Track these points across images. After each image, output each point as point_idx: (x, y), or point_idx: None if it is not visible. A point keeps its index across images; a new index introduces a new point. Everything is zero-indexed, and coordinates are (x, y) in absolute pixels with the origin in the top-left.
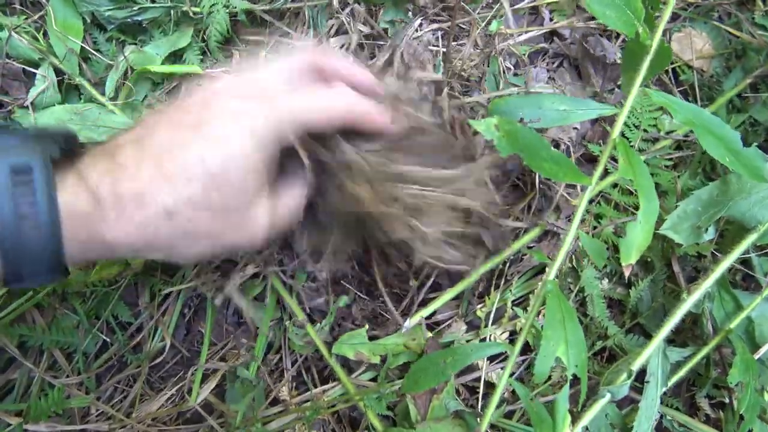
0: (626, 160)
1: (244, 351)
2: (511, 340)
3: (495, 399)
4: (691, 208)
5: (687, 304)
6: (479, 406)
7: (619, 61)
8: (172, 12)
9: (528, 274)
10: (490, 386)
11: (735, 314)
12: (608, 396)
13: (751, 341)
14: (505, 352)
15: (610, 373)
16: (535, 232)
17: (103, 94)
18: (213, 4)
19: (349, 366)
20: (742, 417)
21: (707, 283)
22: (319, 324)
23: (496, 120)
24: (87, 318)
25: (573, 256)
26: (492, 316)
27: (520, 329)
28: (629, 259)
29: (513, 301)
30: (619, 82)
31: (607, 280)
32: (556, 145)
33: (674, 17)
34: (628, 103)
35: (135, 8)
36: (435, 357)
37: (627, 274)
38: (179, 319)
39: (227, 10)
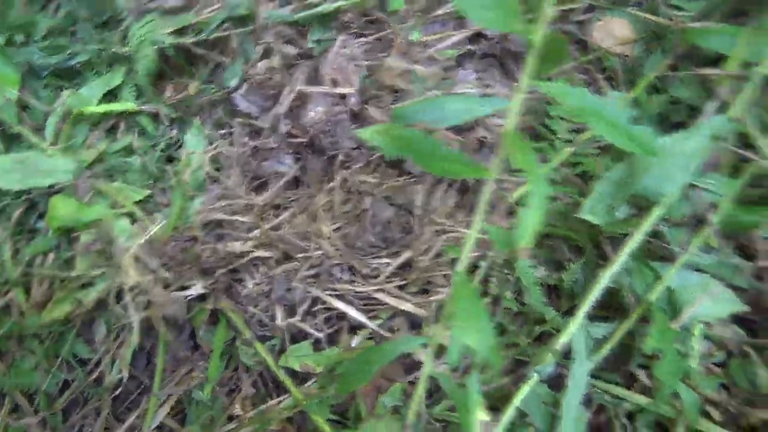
0: (519, 152)
1: (198, 373)
2: None
3: (419, 390)
4: (605, 190)
5: (604, 280)
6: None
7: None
8: (102, 53)
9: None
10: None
11: (655, 286)
12: (536, 376)
13: (673, 310)
14: None
15: (539, 354)
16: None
17: (44, 139)
18: (141, 41)
19: (301, 377)
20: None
21: (622, 258)
22: (268, 342)
23: (380, 127)
24: (46, 358)
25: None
26: (434, 314)
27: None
28: (524, 242)
29: None
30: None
31: (543, 268)
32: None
33: (591, 8)
34: (517, 96)
35: (66, 53)
36: (361, 356)
37: (525, 257)
38: (138, 351)
39: (155, 46)
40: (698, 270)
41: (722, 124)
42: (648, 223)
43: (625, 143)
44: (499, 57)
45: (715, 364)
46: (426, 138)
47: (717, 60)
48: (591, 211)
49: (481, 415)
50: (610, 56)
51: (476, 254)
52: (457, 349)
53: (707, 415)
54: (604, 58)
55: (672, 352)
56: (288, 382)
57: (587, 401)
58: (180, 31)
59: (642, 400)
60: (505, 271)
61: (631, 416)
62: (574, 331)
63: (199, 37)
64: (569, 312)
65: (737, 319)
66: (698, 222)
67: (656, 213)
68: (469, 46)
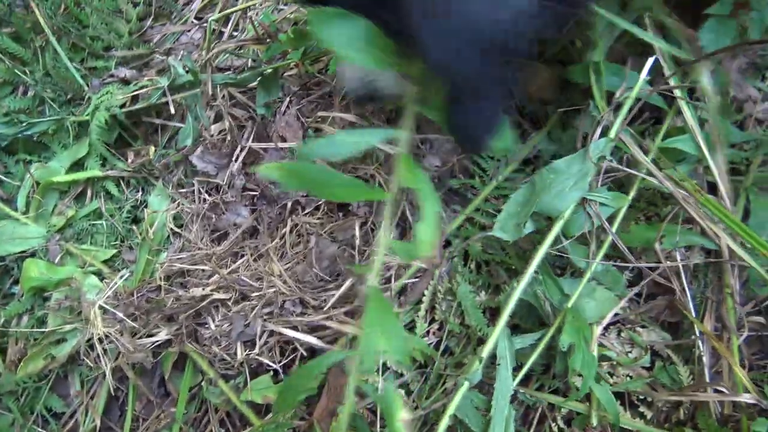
0: (408, 171)
1: (166, 416)
2: None
3: (350, 397)
4: (512, 209)
5: (517, 292)
6: (378, 419)
7: None
8: (69, 126)
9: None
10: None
11: (562, 296)
12: (466, 384)
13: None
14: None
15: (468, 364)
16: None
17: (16, 209)
18: (96, 111)
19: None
20: (581, 375)
21: (529, 271)
22: (233, 380)
23: (276, 164)
24: (21, 415)
25: (448, 275)
26: None
27: None
28: (421, 254)
29: None
30: None
31: (483, 292)
32: None
33: None
34: (406, 123)
35: (23, 124)
36: (296, 375)
37: (424, 265)
38: (111, 400)
39: (109, 114)
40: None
41: (604, 144)
42: (550, 237)
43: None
44: None
45: (643, 367)
46: (319, 169)
47: None
48: (502, 229)
49: (404, 415)
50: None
51: (415, 280)
52: (369, 354)
53: (641, 415)
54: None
55: (583, 346)
56: (251, 415)
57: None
58: (133, 99)
59: (558, 400)
60: (449, 298)
61: (570, 422)
62: (496, 339)
63: (149, 103)
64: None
65: (663, 324)
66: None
67: (557, 227)
68: None
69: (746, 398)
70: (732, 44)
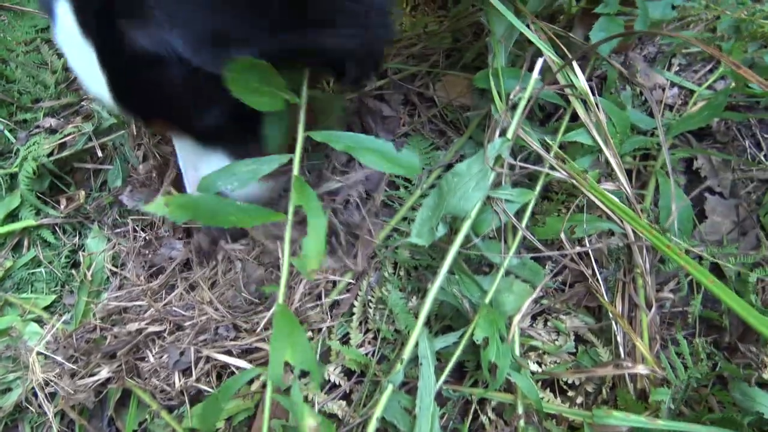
0: (300, 191)
1: None
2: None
3: (266, 411)
4: (425, 215)
5: (432, 292)
6: None
7: (393, 114)
8: (0, 178)
9: None
10: (332, 416)
11: (482, 294)
12: (390, 386)
13: (499, 310)
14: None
15: (391, 366)
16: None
17: None
18: (23, 161)
19: None
20: (496, 366)
21: (443, 270)
22: (176, 411)
23: (165, 199)
24: None
25: (377, 284)
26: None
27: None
28: (310, 267)
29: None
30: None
31: (414, 298)
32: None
33: (429, 72)
34: (298, 146)
35: None
36: (214, 396)
37: (313, 277)
38: None
39: (36, 163)
40: (510, 273)
41: (500, 144)
42: (460, 236)
43: (393, 168)
44: (358, 115)
45: (569, 353)
46: (209, 200)
47: None
48: (417, 235)
49: (311, 422)
50: (451, 108)
51: (347, 295)
52: (276, 364)
53: (571, 400)
54: (446, 111)
55: (496, 338)
56: None
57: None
58: (61, 147)
59: (479, 391)
60: (380, 307)
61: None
62: (416, 340)
63: (76, 149)
64: (444, 331)
65: (588, 309)
66: (506, 232)
67: (465, 225)
68: None
69: (641, 369)
70: (606, 37)
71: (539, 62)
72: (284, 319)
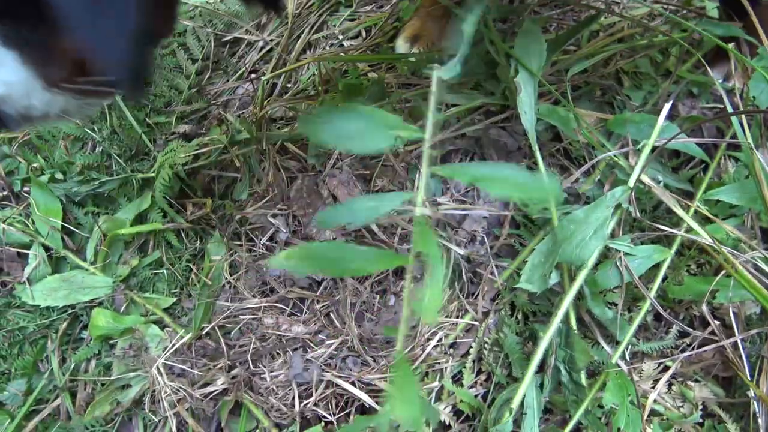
0: (420, 235)
1: None
2: None
3: None
4: (537, 260)
5: (544, 342)
6: None
7: (517, 148)
8: (134, 180)
9: None
10: None
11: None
12: None
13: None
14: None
15: (493, 413)
16: None
17: (85, 260)
18: (160, 167)
19: None
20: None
21: (556, 321)
22: (286, 429)
23: (286, 253)
24: None
25: (495, 327)
26: None
27: None
28: (430, 318)
29: None
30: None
31: (531, 343)
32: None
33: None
34: (420, 185)
35: (96, 182)
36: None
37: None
38: None
39: (172, 170)
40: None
41: (622, 193)
42: (575, 287)
43: (523, 196)
44: (480, 151)
45: (696, 423)
46: (329, 247)
47: None
48: (528, 281)
49: None
50: (577, 144)
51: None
52: (385, 421)
53: None
54: (572, 145)
55: (626, 405)
56: None
57: None
58: (194, 156)
59: None
60: (496, 349)
61: None
62: (525, 390)
63: (210, 160)
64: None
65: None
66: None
67: (581, 275)
68: (451, 147)
69: None
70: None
71: (666, 107)
72: (402, 372)
